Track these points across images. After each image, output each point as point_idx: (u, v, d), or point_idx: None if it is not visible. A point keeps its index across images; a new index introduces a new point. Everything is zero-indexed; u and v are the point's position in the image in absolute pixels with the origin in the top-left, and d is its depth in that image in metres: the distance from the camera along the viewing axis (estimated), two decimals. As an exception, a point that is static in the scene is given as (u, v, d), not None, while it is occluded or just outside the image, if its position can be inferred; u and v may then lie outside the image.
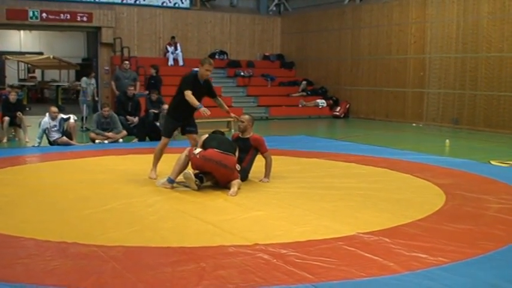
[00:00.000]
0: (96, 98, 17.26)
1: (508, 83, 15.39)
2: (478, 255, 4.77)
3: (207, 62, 7.81)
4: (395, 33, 18.76)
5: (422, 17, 17.81)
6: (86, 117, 15.45)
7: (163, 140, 8.10)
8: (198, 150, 7.26)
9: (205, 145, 7.35)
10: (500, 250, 4.93)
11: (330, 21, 21.29)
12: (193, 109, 7.75)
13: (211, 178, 7.35)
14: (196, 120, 8.17)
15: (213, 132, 7.78)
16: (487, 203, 6.72)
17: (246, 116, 8.09)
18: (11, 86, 19.42)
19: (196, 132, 8.09)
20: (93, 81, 16.69)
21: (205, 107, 7.57)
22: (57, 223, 5.66)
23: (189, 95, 7.58)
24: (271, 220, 5.85)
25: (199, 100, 7.67)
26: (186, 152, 7.36)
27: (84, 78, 16.62)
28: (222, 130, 8.37)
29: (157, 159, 8.09)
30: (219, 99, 8.19)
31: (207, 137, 7.55)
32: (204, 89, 7.90)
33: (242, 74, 21.31)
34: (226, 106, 8.21)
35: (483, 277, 4.26)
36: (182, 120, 8.01)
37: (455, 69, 16.69)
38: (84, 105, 15.80)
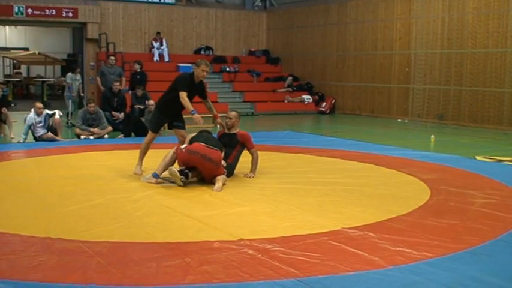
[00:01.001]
0: (82, 94, 17.16)
1: (492, 79, 15.51)
2: (463, 249, 4.79)
3: (203, 63, 7.72)
4: (381, 29, 18.82)
5: (407, 13, 17.89)
6: (71, 113, 15.36)
7: (150, 135, 8.06)
8: (185, 145, 7.32)
9: (192, 141, 7.37)
10: (484, 244, 4.95)
11: (316, 17, 21.31)
12: (183, 107, 7.70)
13: (197, 174, 7.35)
14: (184, 116, 8.11)
15: (200, 132, 7.76)
16: (472, 197, 6.76)
17: (233, 113, 8.07)
18: (-4, 82, 19.26)
19: (183, 128, 8.01)
20: (78, 77, 16.60)
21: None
22: (42, 219, 5.63)
23: (184, 97, 7.51)
24: (256, 215, 5.86)
25: (190, 100, 7.63)
26: (174, 149, 7.38)
27: (69, 74, 16.52)
28: (208, 126, 8.32)
29: (143, 154, 8.03)
30: (209, 101, 8.09)
31: (194, 135, 7.57)
32: (197, 90, 7.86)
33: (228, 69, 21.29)
34: (215, 110, 8.05)
35: (467, 271, 4.28)
36: (171, 117, 7.98)
37: (441, 65, 16.78)
38: (70, 101, 15.70)
